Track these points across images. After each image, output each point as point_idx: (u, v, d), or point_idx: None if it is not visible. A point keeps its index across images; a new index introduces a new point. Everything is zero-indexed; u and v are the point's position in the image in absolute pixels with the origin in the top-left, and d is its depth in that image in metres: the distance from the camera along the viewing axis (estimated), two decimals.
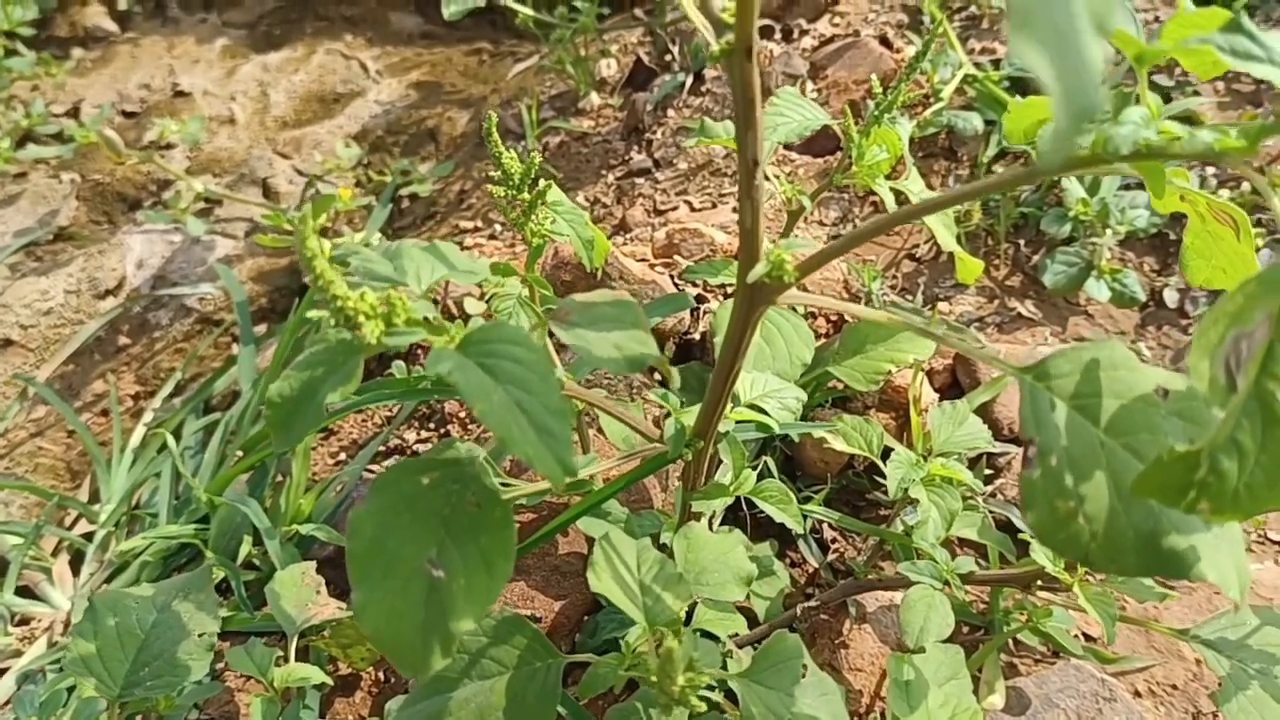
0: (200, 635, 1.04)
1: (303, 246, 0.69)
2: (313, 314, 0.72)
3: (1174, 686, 1.28)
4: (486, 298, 1.62)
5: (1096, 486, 0.65)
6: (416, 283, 0.81)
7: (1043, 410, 0.68)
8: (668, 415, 1.04)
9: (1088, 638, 1.34)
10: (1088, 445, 0.66)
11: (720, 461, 1.18)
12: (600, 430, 1.39)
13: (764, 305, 0.84)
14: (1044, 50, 0.35)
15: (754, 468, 1.17)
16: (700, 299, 1.56)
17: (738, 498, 1.34)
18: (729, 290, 1.57)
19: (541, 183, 1.22)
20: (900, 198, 1.33)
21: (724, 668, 1.00)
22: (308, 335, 1.80)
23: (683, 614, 0.90)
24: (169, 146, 2.80)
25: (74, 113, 3.01)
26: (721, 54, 0.71)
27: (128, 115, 3.02)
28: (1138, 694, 1.28)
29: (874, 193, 1.87)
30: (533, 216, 1.22)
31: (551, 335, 1.47)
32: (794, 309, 1.31)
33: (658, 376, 1.53)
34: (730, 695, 1.10)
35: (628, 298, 0.82)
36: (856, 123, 1.29)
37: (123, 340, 2.28)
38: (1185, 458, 0.57)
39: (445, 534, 0.72)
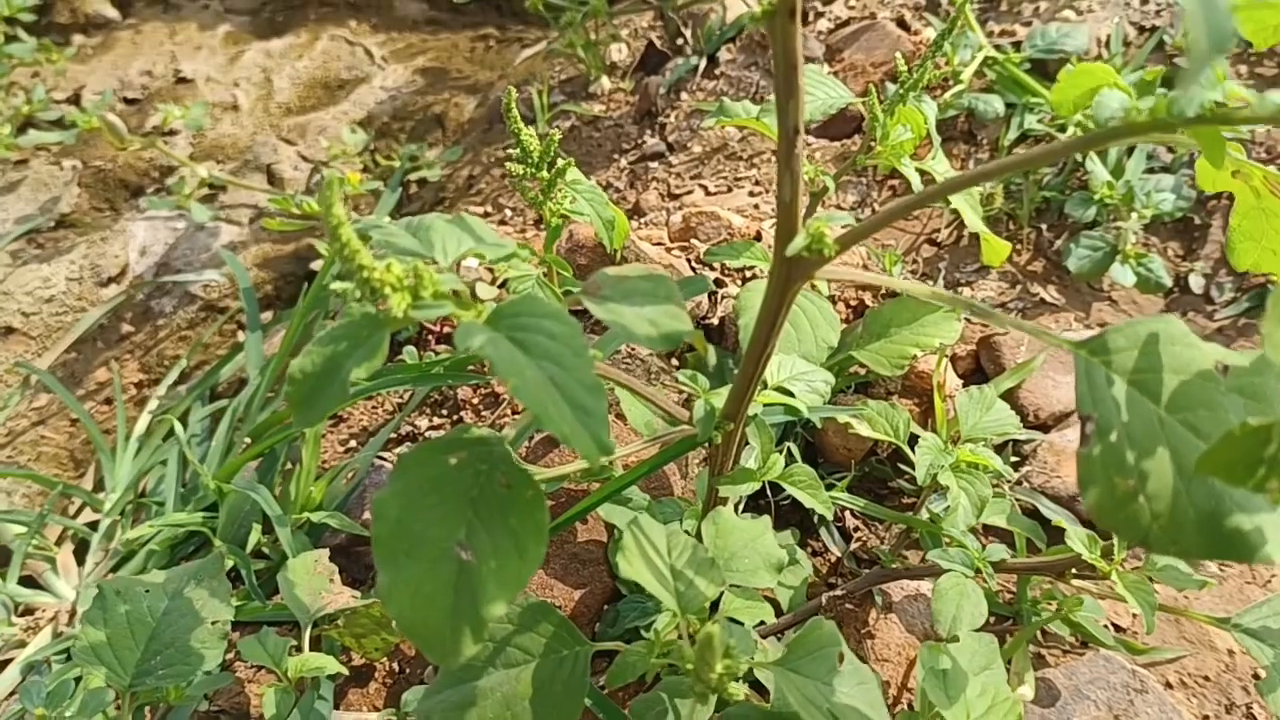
0: (213, 623, 1.01)
1: (328, 214, 0.66)
2: (336, 286, 0.69)
3: (1206, 678, 1.26)
4: (500, 282, 1.59)
5: (1158, 465, 0.62)
6: (443, 255, 0.78)
7: (1099, 386, 0.65)
8: (690, 399, 1.01)
9: (1117, 628, 1.32)
10: (1147, 422, 0.63)
11: (747, 444, 1.15)
12: (619, 416, 1.36)
13: (801, 280, 0.81)
14: None
15: (778, 453, 1.13)
16: (718, 283, 1.52)
17: (761, 483, 1.32)
18: (748, 274, 1.54)
19: (560, 161, 1.19)
20: (926, 178, 1.30)
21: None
22: (318, 320, 1.77)
23: (713, 600, 0.87)
24: (172, 133, 2.76)
25: (75, 99, 2.97)
26: (764, 15, 0.68)
27: (130, 102, 2.99)
28: (1169, 685, 1.25)
29: (892, 177, 1.84)
30: (552, 195, 1.19)
31: (575, 315, 1.44)
32: (819, 291, 1.28)
33: (675, 363, 1.50)
34: (755, 686, 1.08)
35: (661, 271, 0.79)
36: (879, 103, 1.26)
37: (126, 328, 2.25)
38: (1255, 433, 0.54)
39: (474, 515, 0.69)
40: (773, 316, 0.84)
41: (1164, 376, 0.65)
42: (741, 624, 0.99)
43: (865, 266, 1.63)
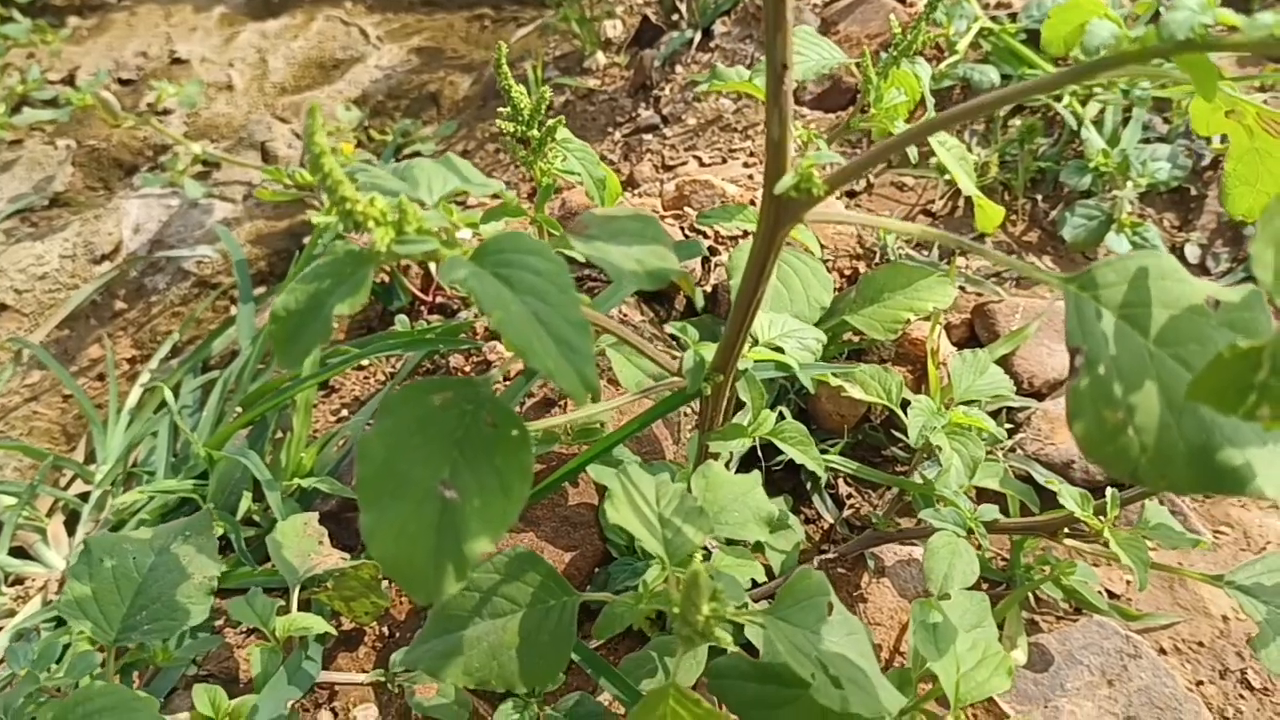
0: (200, 578, 1.00)
1: (310, 141, 0.65)
2: (318, 219, 0.68)
3: (1200, 643, 1.25)
4: None
5: (1146, 397, 0.61)
6: (428, 194, 0.78)
7: (1089, 319, 0.65)
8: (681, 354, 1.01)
9: (1111, 594, 1.31)
10: (1136, 355, 0.63)
11: (740, 405, 1.14)
12: (611, 381, 1.35)
13: (790, 223, 0.80)
14: None
15: (770, 412, 1.13)
16: (711, 250, 1.52)
17: (753, 450, 1.31)
18: (741, 241, 1.53)
19: (550, 120, 1.19)
20: (922, 147, 1.29)
21: None
22: None
23: (702, 548, 0.87)
24: (166, 112, 2.75)
25: (70, 80, 2.96)
26: None
27: (124, 83, 2.98)
28: (1163, 651, 1.25)
29: None
30: (542, 154, 1.18)
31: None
32: (811, 253, 1.27)
33: (668, 329, 1.49)
34: (746, 647, 1.07)
35: (648, 212, 0.78)
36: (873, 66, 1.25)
37: (119, 305, 2.24)
38: (1245, 357, 0.53)
39: (458, 455, 0.69)
40: (761, 262, 0.83)
41: (1153, 310, 0.64)
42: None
43: (859, 238, 1.62)
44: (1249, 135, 0.78)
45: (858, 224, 0.85)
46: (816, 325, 1.19)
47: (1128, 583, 1.32)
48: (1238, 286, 0.64)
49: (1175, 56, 0.63)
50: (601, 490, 1.28)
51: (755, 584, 1.09)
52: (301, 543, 1.20)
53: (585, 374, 0.60)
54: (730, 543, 1.07)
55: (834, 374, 1.23)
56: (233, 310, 2.14)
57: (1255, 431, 0.60)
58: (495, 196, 0.82)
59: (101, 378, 2.10)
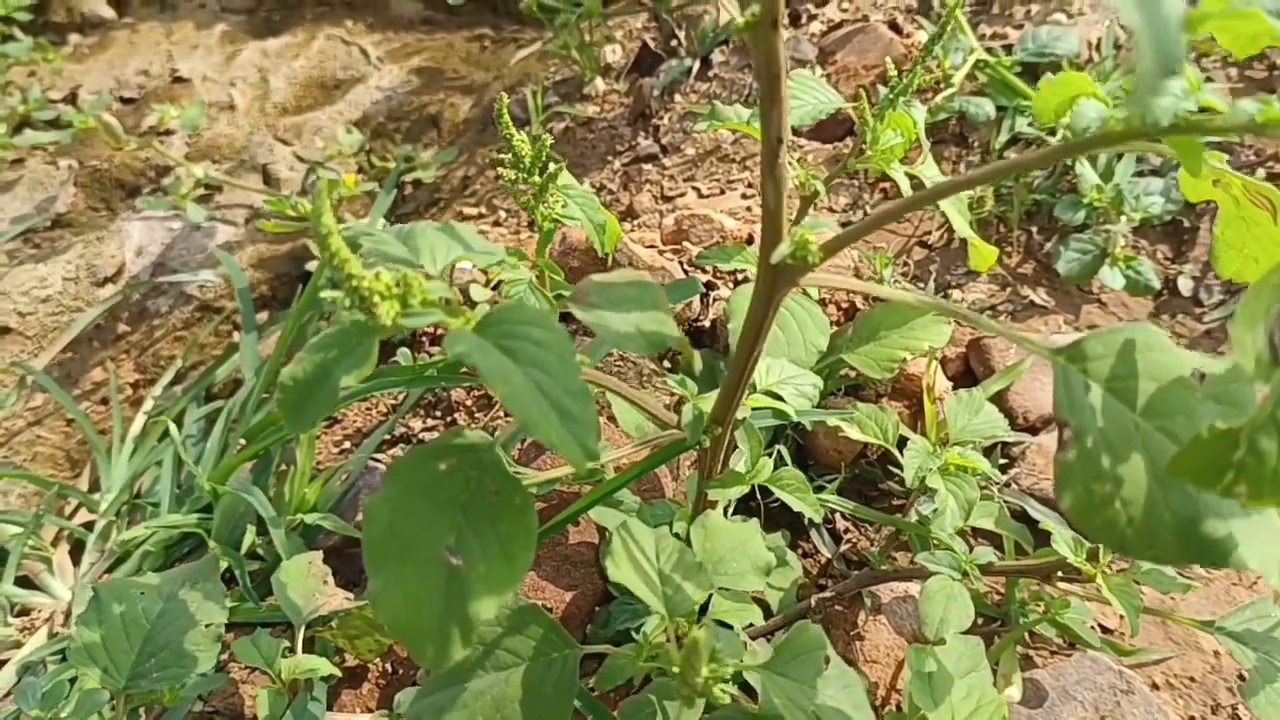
0: (207, 625, 1.02)
1: (317, 223, 0.66)
2: (326, 295, 0.70)
3: (1192, 679, 1.27)
4: (493, 284, 1.60)
5: (1133, 470, 0.63)
6: (431, 263, 0.79)
7: (1077, 392, 0.66)
8: (680, 403, 1.02)
9: (1104, 629, 1.33)
10: (1123, 428, 0.64)
11: (736, 448, 1.16)
12: (610, 418, 1.36)
13: (786, 287, 0.82)
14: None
15: (768, 456, 1.14)
16: (710, 285, 1.53)
17: (752, 487, 1.33)
18: (739, 277, 1.55)
19: (552, 166, 1.20)
20: (915, 182, 1.31)
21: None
22: (311, 322, 1.78)
23: (700, 604, 0.88)
24: (168, 133, 2.77)
25: (71, 99, 2.98)
26: (746, 26, 0.69)
27: (126, 101, 2.99)
28: (1155, 686, 1.26)
29: (884, 179, 1.85)
30: (544, 199, 1.20)
31: (563, 319, 1.45)
32: (808, 295, 1.29)
33: (667, 365, 1.51)
34: (745, 688, 1.09)
35: (647, 278, 0.80)
36: (869, 107, 1.27)
37: (122, 328, 2.26)
38: (1223, 437, 0.55)
39: (464, 521, 0.70)
40: (759, 323, 0.85)
41: (1140, 383, 0.66)
42: (730, 627, 1.00)
43: (856, 269, 1.64)
44: (1235, 204, 0.80)
45: (852, 290, 0.87)
46: (815, 362, 1.21)
47: (1121, 618, 1.34)
48: (1224, 359, 0.65)
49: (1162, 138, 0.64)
50: (602, 530, 1.29)
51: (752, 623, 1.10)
52: (306, 582, 1.22)
53: (586, 443, 0.62)
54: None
55: (832, 417, 1.25)
56: (236, 336, 2.16)
57: (1237, 504, 0.61)
58: (500, 262, 0.83)
59: (105, 402, 2.11)
